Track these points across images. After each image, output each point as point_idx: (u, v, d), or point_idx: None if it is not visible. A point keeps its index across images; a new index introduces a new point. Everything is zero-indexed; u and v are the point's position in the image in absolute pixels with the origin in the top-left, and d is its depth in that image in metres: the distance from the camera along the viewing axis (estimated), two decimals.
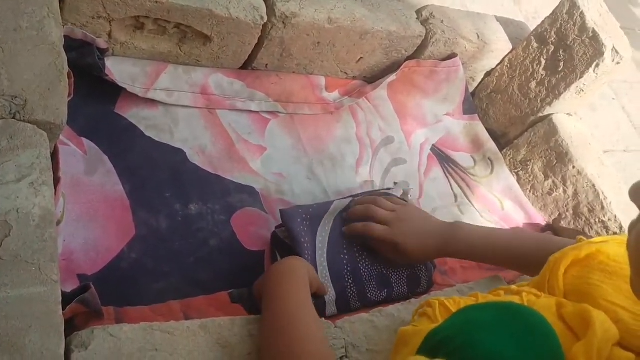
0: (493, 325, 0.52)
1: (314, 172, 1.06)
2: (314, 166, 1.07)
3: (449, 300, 0.69)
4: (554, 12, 1.21)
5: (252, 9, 0.96)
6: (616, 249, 0.67)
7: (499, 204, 1.23)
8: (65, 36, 0.79)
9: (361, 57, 1.15)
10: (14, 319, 0.54)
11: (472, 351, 0.49)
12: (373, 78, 1.22)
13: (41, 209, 0.61)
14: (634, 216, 0.46)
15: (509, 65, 1.29)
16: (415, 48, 1.19)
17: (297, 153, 1.07)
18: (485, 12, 1.37)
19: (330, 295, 0.86)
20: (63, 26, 0.81)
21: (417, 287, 0.94)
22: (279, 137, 1.07)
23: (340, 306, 0.87)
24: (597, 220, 1.14)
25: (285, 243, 0.89)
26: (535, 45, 1.23)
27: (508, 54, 1.29)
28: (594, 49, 1.13)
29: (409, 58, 1.20)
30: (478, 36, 1.24)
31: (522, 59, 1.26)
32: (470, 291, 0.84)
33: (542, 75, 1.22)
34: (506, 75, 1.29)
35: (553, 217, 1.22)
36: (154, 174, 0.91)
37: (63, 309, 0.59)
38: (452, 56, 1.23)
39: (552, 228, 1.20)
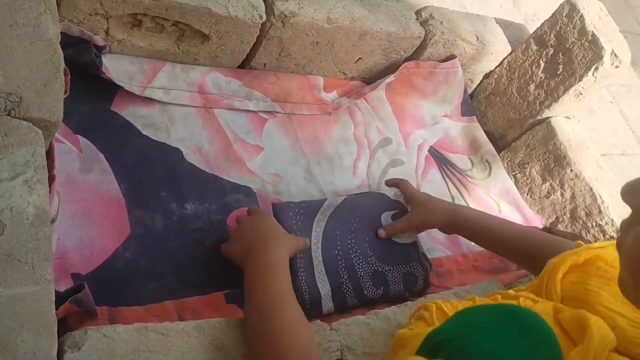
0: (492, 327, 0.52)
1: (311, 172, 1.06)
2: (311, 166, 1.06)
3: (446, 303, 0.69)
4: (553, 14, 1.21)
5: (250, 7, 0.95)
6: (615, 255, 0.66)
7: (496, 206, 1.23)
8: (62, 33, 0.79)
9: (360, 58, 1.14)
10: (6, 318, 0.54)
11: (471, 352, 0.49)
12: (371, 79, 1.21)
13: (35, 207, 0.60)
14: None
15: (507, 68, 1.28)
16: (414, 49, 1.19)
17: (294, 153, 1.06)
18: (484, 13, 1.36)
19: (326, 289, 0.86)
20: (60, 23, 0.80)
21: (414, 286, 0.94)
22: (276, 137, 1.06)
23: (337, 303, 0.87)
24: (594, 223, 1.13)
25: None
26: (535, 47, 1.23)
27: (507, 56, 1.29)
28: (593, 52, 1.13)
29: (408, 59, 1.20)
30: (477, 38, 1.23)
31: (521, 61, 1.26)
32: (467, 294, 0.84)
33: (541, 77, 1.22)
34: (505, 77, 1.29)
35: (550, 220, 1.21)
36: (150, 172, 0.90)
37: (56, 309, 0.59)
38: (451, 58, 1.23)
39: (549, 231, 1.20)
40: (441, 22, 1.18)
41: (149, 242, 0.84)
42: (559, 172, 1.19)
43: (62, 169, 0.80)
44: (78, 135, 0.87)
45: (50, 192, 0.67)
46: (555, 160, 1.20)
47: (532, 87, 1.24)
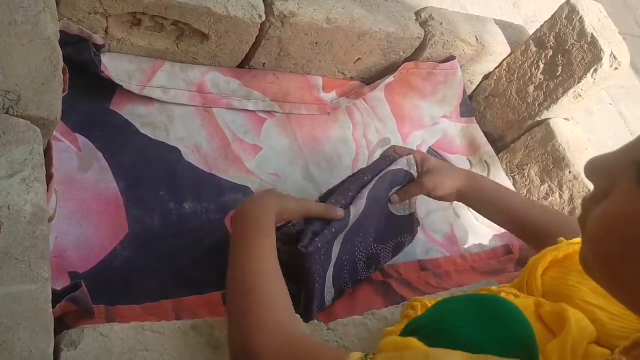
0: (466, 313, 0.55)
1: (309, 172, 1.06)
2: (309, 167, 1.06)
3: (431, 301, 0.70)
4: (553, 16, 1.21)
5: (250, 7, 0.95)
6: None
7: None
8: (61, 31, 0.79)
9: (359, 58, 1.14)
10: (3, 316, 0.54)
11: (445, 336, 0.52)
12: (371, 79, 1.21)
13: (33, 205, 0.60)
14: None
15: (507, 69, 1.28)
16: (414, 50, 1.18)
17: (293, 153, 1.06)
18: (484, 15, 1.36)
19: (330, 295, 0.86)
20: (59, 21, 0.80)
21: (400, 251, 0.97)
22: (275, 137, 1.06)
23: (335, 297, 0.88)
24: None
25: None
26: (534, 49, 1.23)
27: (506, 57, 1.29)
28: (593, 54, 1.13)
29: (407, 60, 1.20)
30: (477, 39, 1.23)
31: (520, 62, 1.26)
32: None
33: (540, 79, 1.22)
34: (504, 78, 1.29)
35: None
36: (148, 171, 0.90)
37: (53, 307, 0.59)
38: (450, 59, 1.23)
39: None
40: (441, 23, 1.18)
41: (147, 241, 0.84)
42: (558, 173, 1.19)
43: (60, 168, 0.80)
44: (77, 134, 0.87)
45: (48, 190, 0.67)
46: (554, 162, 1.20)
47: (531, 88, 1.24)
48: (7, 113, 0.65)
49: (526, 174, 1.25)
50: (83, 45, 0.87)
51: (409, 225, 0.96)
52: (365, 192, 0.85)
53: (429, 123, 1.25)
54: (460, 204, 1.18)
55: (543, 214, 0.89)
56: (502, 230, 1.19)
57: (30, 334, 0.54)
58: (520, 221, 0.89)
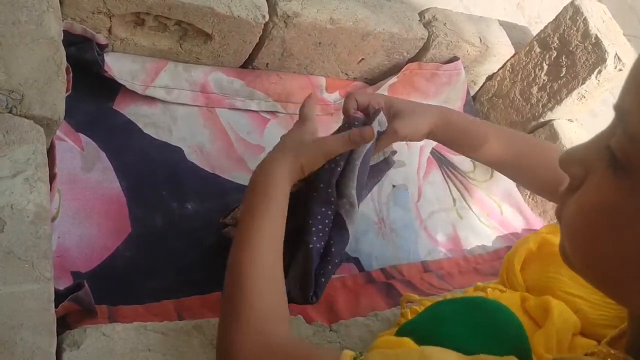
0: (456, 318, 0.54)
1: None
2: None
3: (420, 306, 0.70)
4: (557, 17, 1.20)
5: (253, 7, 0.95)
6: None
7: (497, 208, 1.23)
8: (64, 31, 0.79)
9: (362, 59, 1.14)
10: (5, 316, 0.54)
11: (436, 342, 0.51)
12: (374, 80, 1.21)
13: (36, 205, 0.60)
14: None
15: (510, 70, 1.28)
16: (417, 50, 1.18)
17: None
18: (488, 16, 1.36)
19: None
20: (62, 21, 0.81)
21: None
22: (278, 137, 1.05)
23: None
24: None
25: None
26: (538, 50, 1.23)
27: (510, 58, 1.29)
28: (597, 55, 1.12)
29: (411, 60, 1.20)
30: (480, 40, 1.23)
31: (524, 63, 1.25)
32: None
33: (544, 80, 1.22)
34: (508, 79, 1.29)
35: (550, 223, 1.21)
36: (151, 171, 0.90)
37: (56, 307, 0.59)
38: (454, 59, 1.23)
39: None
40: (444, 24, 1.18)
41: (150, 241, 0.84)
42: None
43: (63, 167, 0.80)
44: (80, 134, 0.87)
45: (51, 190, 0.67)
46: None
47: (535, 89, 1.23)
48: (10, 112, 0.65)
49: None
50: (86, 45, 0.87)
51: (385, 166, 0.90)
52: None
53: None
54: (463, 205, 1.19)
55: (523, 145, 0.84)
56: (506, 231, 1.19)
57: (33, 333, 0.54)
58: (498, 155, 0.84)
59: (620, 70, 1.13)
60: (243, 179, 0.98)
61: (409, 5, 1.22)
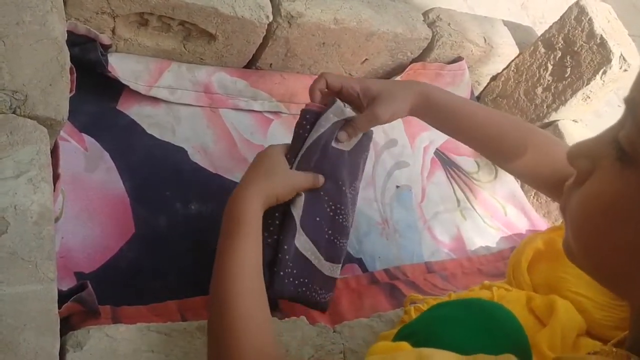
0: (456, 320, 0.54)
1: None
2: None
3: (424, 305, 0.70)
4: (561, 17, 1.20)
5: (257, 8, 0.95)
6: None
7: (501, 209, 1.22)
8: (68, 31, 0.79)
9: (366, 59, 1.14)
10: (9, 316, 0.54)
11: (434, 343, 0.50)
12: None
13: (39, 205, 0.60)
14: None
15: (515, 70, 1.28)
16: (421, 50, 1.18)
17: None
18: (492, 16, 1.36)
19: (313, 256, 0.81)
20: (66, 21, 0.81)
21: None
22: (281, 137, 1.06)
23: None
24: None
25: None
26: (542, 50, 1.22)
27: (514, 58, 1.28)
28: (602, 55, 1.12)
29: (415, 60, 1.20)
30: (485, 40, 1.23)
31: (528, 64, 1.25)
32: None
33: (548, 80, 1.21)
34: (512, 79, 1.28)
35: (557, 224, 1.21)
36: (154, 172, 0.90)
37: (59, 308, 0.59)
38: (458, 59, 1.22)
39: None
40: (448, 24, 1.17)
41: (153, 241, 0.84)
42: None
43: (67, 168, 0.80)
44: (83, 134, 0.87)
45: (54, 190, 0.67)
46: None
47: (539, 90, 1.23)
48: (14, 113, 0.65)
49: None
50: (90, 45, 0.87)
51: (366, 139, 0.86)
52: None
53: None
54: (467, 205, 1.18)
55: (505, 125, 0.80)
56: (510, 232, 1.18)
57: (36, 334, 0.54)
58: (481, 134, 0.80)
59: (626, 70, 1.13)
60: None
61: (413, 5, 1.22)
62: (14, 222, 0.58)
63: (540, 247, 0.69)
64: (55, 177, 0.71)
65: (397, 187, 1.11)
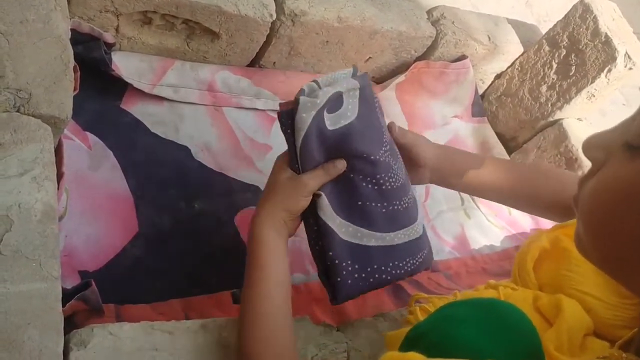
0: (468, 320, 0.53)
1: None
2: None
3: (429, 304, 0.69)
4: (566, 15, 1.19)
5: (261, 6, 0.95)
6: None
7: (506, 208, 1.22)
8: (72, 30, 0.79)
9: (370, 57, 1.14)
10: (13, 315, 0.54)
11: (447, 345, 0.50)
12: (381, 78, 1.20)
13: (43, 204, 0.60)
14: None
15: (519, 68, 1.27)
16: (425, 49, 1.18)
17: None
18: (496, 14, 1.35)
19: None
20: (70, 19, 0.81)
21: None
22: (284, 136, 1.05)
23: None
24: None
25: None
26: (547, 48, 1.22)
27: (519, 56, 1.28)
28: (606, 53, 1.11)
29: (419, 59, 1.19)
30: (489, 38, 1.22)
31: (533, 62, 1.24)
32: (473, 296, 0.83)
33: (553, 79, 1.21)
34: (516, 78, 1.28)
35: (564, 222, 1.20)
36: (158, 170, 0.90)
37: (63, 306, 0.59)
38: (462, 58, 1.22)
39: None
40: (452, 22, 1.17)
41: (157, 240, 0.84)
42: None
43: (70, 166, 0.80)
44: (87, 133, 0.87)
45: (58, 189, 0.67)
46: (566, 163, 1.19)
47: (544, 88, 1.22)
48: (17, 111, 0.65)
49: None
50: (94, 44, 0.87)
51: (369, 96, 0.76)
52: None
53: (440, 123, 1.24)
54: (471, 205, 1.18)
55: (525, 169, 0.80)
56: (514, 231, 1.18)
57: (40, 332, 0.54)
58: (513, 192, 0.80)
59: (631, 69, 1.12)
60: (250, 178, 0.97)
61: (416, 4, 1.21)
62: (18, 220, 0.58)
63: (546, 246, 0.69)
64: (59, 176, 0.71)
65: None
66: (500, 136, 1.30)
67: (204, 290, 0.82)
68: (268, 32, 0.99)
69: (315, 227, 0.72)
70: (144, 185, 0.87)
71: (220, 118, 1.01)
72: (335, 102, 0.72)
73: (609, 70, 1.12)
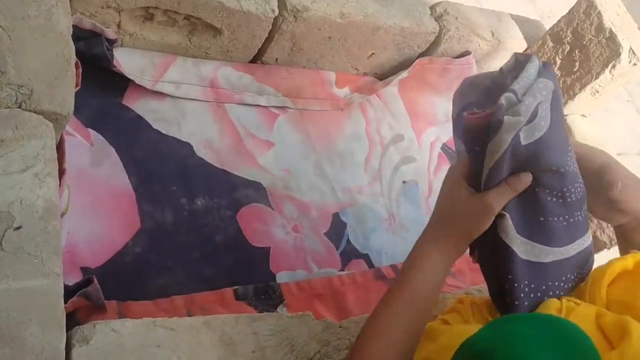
0: (536, 340, 0.49)
1: (322, 168, 1.05)
2: (322, 163, 1.05)
3: (481, 299, 0.68)
4: (570, 11, 1.19)
5: (263, 1, 0.94)
6: None
7: None
8: (73, 26, 0.78)
9: (372, 53, 1.13)
10: (15, 311, 0.54)
11: None
12: (384, 74, 1.20)
13: (45, 200, 0.60)
14: None
15: None
16: (428, 45, 1.17)
17: (305, 149, 1.05)
18: (500, 10, 1.35)
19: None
20: (72, 15, 0.80)
21: None
22: (287, 132, 1.05)
23: None
24: (608, 224, 1.12)
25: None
26: (551, 44, 1.21)
27: (522, 52, 1.27)
28: (611, 49, 1.11)
29: (422, 55, 1.19)
30: (492, 34, 1.22)
31: None
32: (479, 294, 0.82)
33: (556, 75, 1.20)
34: None
35: None
36: (160, 167, 0.90)
37: (65, 303, 0.58)
38: (465, 54, 1.21)
39: None
40: (456, 18, 1.16)
41: (159, 236, 0.84)
42: None
43: (72, 163, 0.80)
44: (89, 129, 0.87)
45: (60, 185, 0.67)
46: None
47: None
48: (19, 107, 0.65)
49: None
50: (95, 40, 0.87)
51: (555, 95, 0.66)
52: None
53: (443, 119, 1.24)
54: None
55: None
56: None
57: (42, 329, 0.54)
58: None
59: (635, 64, 1.11)
60: (252, 174, 0.97)
61: None
62: (20, 217, 0.58)
63: (629, 267, 0.64)
64: (61, 172, 0.71)
65: (404, 182, 1.10)
66: None
67: (206, 286, 0.82)
68: (270, 28, 0.98)
69: (492, 246, 0.66)
70: (145, 181, 0.87)
71: (222, 114, 1.01)
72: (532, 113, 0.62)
73: (613, 66, 1.11)
